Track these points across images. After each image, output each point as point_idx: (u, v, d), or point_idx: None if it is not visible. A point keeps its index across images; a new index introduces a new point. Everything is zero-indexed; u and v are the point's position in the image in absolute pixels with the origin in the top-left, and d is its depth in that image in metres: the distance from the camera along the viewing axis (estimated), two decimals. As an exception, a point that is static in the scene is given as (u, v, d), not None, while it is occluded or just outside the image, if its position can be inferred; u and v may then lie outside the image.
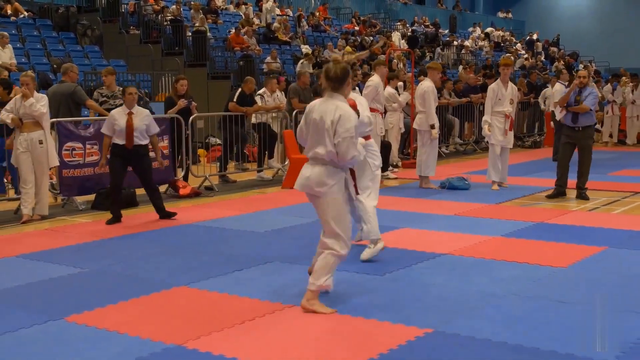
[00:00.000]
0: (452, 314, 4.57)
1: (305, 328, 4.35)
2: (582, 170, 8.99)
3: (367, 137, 5.98)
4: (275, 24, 21.55)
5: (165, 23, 19.20)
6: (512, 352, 3.92)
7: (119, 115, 7.81)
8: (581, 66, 28.71)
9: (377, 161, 6.14)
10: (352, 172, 4.84)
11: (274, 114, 12.11)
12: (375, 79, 10.31)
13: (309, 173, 4.70)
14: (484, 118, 10.08)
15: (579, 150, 9.01)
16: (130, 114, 7.83)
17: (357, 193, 4.91)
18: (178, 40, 18.61)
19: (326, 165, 4.62)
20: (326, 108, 4.55)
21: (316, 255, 4.87)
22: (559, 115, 9.15)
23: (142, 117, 7.92)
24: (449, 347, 4.02)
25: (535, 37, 32.41)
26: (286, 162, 11.40)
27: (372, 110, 10.29)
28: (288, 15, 23.49)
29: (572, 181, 9.14)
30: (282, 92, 12.88)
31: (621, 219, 7.88)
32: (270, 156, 11.91)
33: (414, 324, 4.34)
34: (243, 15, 21.94)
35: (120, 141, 7.80)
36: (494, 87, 9.96)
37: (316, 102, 4.70)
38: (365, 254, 5.99)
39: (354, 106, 5.17)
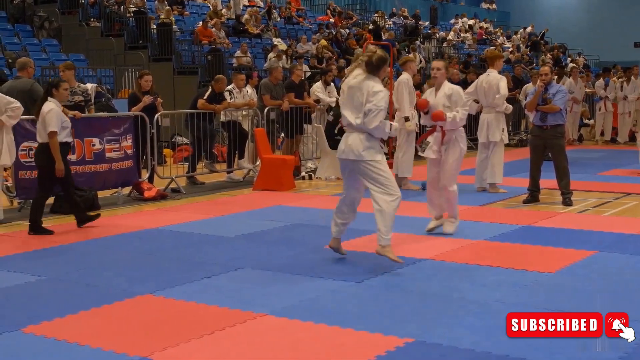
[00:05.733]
0: (433, 322, 4.61)
1: (278, 338, 4.36)
2: (559, 172, 8.90)
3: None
4: (246, 16, 21.53)
5: (128, 15, 19.09)
6: (496, 361, 3.98)
7: (60, 110, 7.58)
8: (568, 60, 29.05)
9: (465, 145, 7.32)
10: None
11: (244, 112, 12.11)
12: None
13: (350, 142, 5.82)
14: None
15: (550, 151, 8.97)
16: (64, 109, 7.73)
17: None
18: (142, 33, 18.52)
19: (364, 134, 5.74)
20: (364, 84, 5.71)
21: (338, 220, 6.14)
22: (531, 118, 9.20)
23: None
24: (430, 357, 4.07)
25: (529, 29, 32.78)
26: (257, 163, 11.40)
27: None
28: (258, 7, 23.48)
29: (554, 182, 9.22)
30: (254, 89, 12.88)
31: (611, 221, 7.99)
32: (241, 156, 11.90)
33: (393, 334, 4.37)
34: (211, 7, 21.88)
35: (69, 139, 7.70)
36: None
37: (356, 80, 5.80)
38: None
39: (424, 105, 7.08)
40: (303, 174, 11.75)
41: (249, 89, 12.39)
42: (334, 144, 11.64)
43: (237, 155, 11.80)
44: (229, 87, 11.85)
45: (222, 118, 11.75)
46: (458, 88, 7.22)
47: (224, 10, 21.90)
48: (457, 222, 7.30)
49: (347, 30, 24.47)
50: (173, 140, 13.73)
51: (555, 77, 13.91)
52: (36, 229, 7.48)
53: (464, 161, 7.49)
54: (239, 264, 6.16)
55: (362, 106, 5.69)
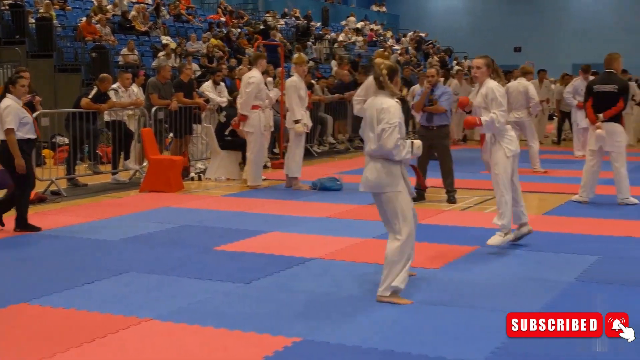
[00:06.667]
0: (322, 321, 4.63)
1: (163, 344, 4.26)
2: (445, 171, 9.14)
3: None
4: (133, 13, 20.99)
5: (2, 7, 18.20)
6: (383, 357, 4.04)
7: (20, 106, 7.45)
8: (454, 63, 30.08)
9: (512, 146, 6.50)
10: (415, 169, 5.65)
11: (130, 111, 11.80)
12: (257, 75, 10.39)
13: (367, 172, 5.22)
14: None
15: (436, 151, 9.15)
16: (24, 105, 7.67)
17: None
18: (19, 27, 17.69)
19: (380, 161, 5.13)
20: (373, 103, 5.21)
21: None
22: (418, 119, 9.45)
23: None
24: (318, 356, 4.08)
25: (423, 35, 33.67)
26: (145, 163, 11.14)
27: (253, 107, 10.40)
28: (146, 3, 22.96)
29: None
30: (140, 87, 12.57)
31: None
32: (127, 157, 11.59)
33: (281, 334, 4.36)
34: (95, 2, 21.22)
35: (32, 135, 7.53)
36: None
37: (368, 100, 5.37)
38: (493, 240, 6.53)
39: (465, 103, 6.65)
40: (192, 174, 11.57)
41: (135, 88, 12.08)
42: (224, 144, 11.54)
43: (122, 156, 11.49)
44: (114, 85, 11.52)
45: (107, 118, 11.41)
46: (495, 86, 6.43)
47: (109, 6, 21.28)
48: (504, 237, 6.53)
49: (239, 30, 24.32)
50: (53, 140, 13.19)
51: (442, 79, 14.32)
52: (23, 225, 7.46)
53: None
54: (124, 268, 5.98)
55: (374, 129, 5.12)
